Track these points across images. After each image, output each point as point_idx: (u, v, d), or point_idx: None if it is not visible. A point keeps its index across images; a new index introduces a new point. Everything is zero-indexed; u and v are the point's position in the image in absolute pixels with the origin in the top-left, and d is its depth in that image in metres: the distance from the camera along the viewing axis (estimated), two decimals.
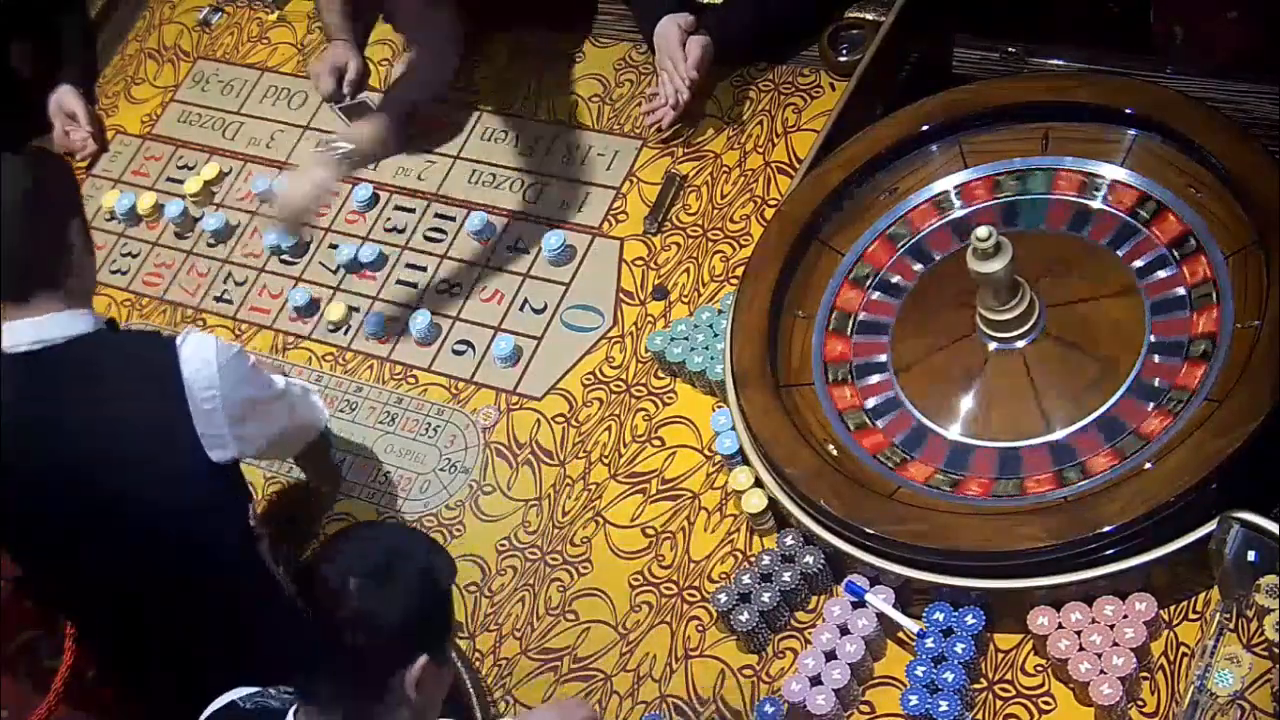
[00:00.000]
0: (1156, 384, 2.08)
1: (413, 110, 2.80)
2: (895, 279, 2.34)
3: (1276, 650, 1.81)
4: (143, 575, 2.19)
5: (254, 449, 2.25)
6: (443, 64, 2.85)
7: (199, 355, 2.12)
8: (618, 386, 2.46)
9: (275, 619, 2.16)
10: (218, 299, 2.83)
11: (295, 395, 2.36)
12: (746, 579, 2.12)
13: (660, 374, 2.45)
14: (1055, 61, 2.59)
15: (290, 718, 1.79)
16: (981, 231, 2.04)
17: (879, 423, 2.21)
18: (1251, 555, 1.83)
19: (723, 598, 2.11)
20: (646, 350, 2.47)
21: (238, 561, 2.23)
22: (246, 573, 2.24)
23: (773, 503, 2.17)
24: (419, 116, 2.84)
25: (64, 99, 3.14)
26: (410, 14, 2.90)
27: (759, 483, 2.19)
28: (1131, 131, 2.28)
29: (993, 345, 2.17)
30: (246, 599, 2.23)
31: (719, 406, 2.33)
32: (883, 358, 2.27)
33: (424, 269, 2.74)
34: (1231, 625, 1.87)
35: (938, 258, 2.33)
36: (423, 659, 1.73)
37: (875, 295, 2.34)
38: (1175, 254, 2.18)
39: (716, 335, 2.37)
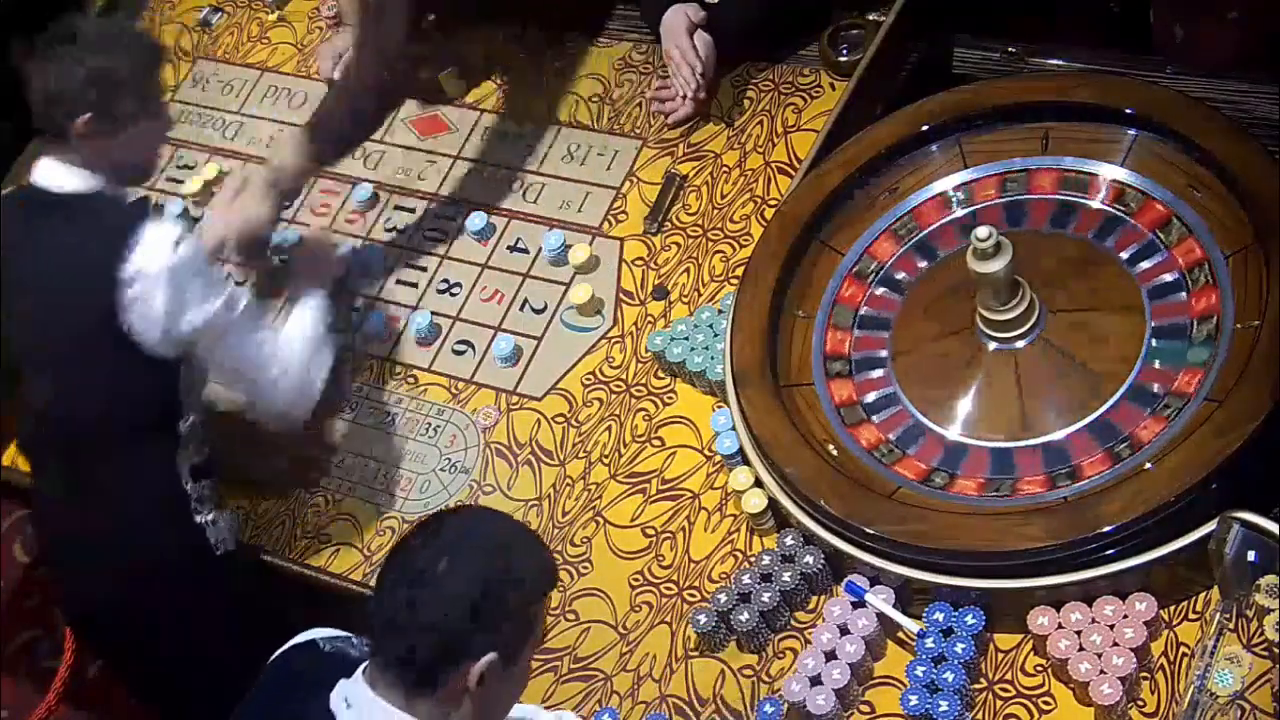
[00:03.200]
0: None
1: (354, 104, 2.64)
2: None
3: (1276, 650, 1.81)
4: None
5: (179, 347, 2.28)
6: (375, 58, 2.63)
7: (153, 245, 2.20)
8: (618, 386, 2.46)
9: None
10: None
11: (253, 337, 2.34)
12: (746, 579, 2.12)
13: (660, 374, 2.45)
14: (1055, 61, 2.59)
15: (360, 673, 1.75)
16: (981, 231, 2.04)
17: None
18: (1251, 555, 1.83)
19: (702, 619, 2.10)
20: (646, 350, 2.47)
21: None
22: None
23: (773, 503, 2.17)
24: (383, 104, 2.74)
25: None
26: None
27: (759, 483, 2.19)
28: (1131, 131, 2.28)
29: (992, 345, 2.17)
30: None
31: (719, 406, 2.33)
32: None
33: (424, 269, 2.74)
34: (1231, 625, 1.87)
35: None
36: (490, 656, 1.67)
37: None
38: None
39: (716, 335, 2.37)
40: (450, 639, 1.67)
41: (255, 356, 2.33)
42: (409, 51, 2.73)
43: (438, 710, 1.69)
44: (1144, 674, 1.91)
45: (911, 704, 1.94)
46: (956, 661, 1.95)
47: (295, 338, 2.40)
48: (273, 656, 1.89)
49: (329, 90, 2.75)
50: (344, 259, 2.71)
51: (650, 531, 2.29)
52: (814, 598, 2.13)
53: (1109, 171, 2.28)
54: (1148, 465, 1.95)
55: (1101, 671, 1.88)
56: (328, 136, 2.61)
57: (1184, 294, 2.14)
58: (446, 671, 1.67)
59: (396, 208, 2.84)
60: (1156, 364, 2.09)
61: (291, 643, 1.88)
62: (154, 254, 2.20)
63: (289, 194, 2.63)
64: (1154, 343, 2.11)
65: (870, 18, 2.67)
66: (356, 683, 1.72)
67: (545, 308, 2.60)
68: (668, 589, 2.22)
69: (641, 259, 2.60)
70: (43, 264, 2.27)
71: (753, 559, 2.18)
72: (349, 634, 1.87)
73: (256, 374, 2.35)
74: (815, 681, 2.00)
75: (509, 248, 2.71)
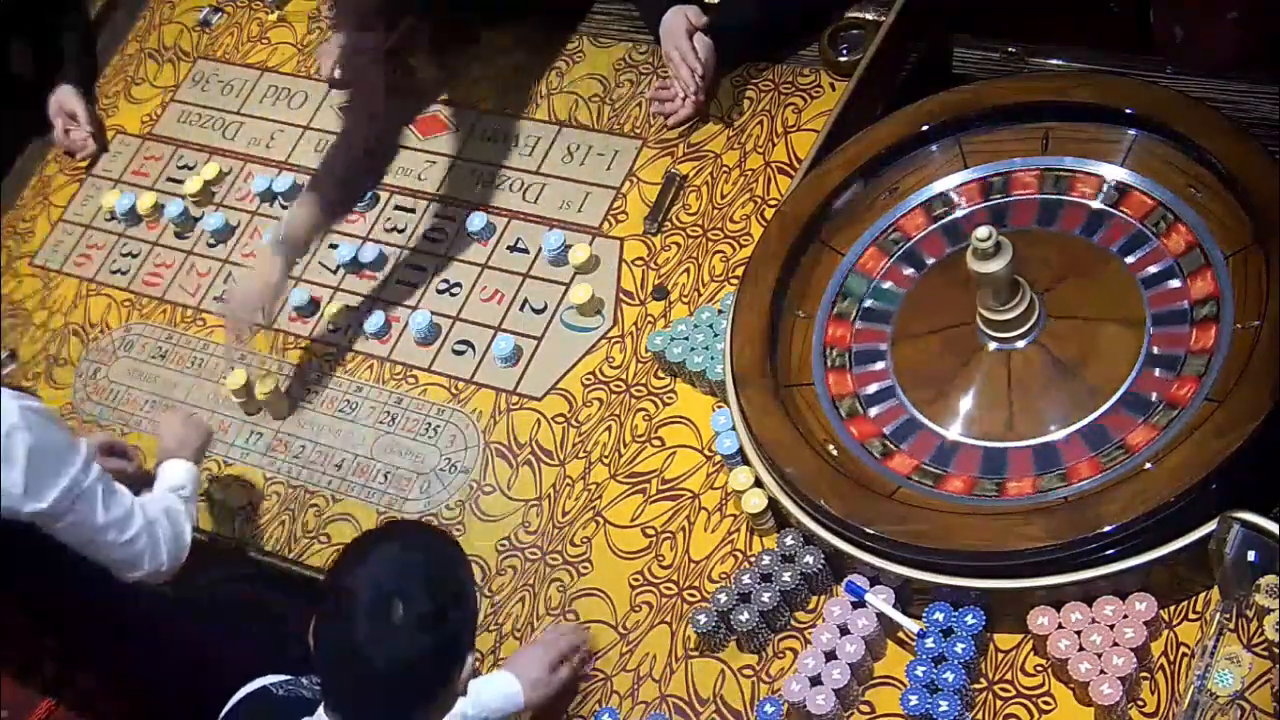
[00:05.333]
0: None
1: (350, 171, 2.62)
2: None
3: (1276, 650, 1.81)
4: None
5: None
6: (364, 120, 2.61)
7: None
8: (618, 386, 2.46)
9: None
10: (218, 299, 2.83)
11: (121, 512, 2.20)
12: (746, 579, 2.12)
13: (660, 374, 2.45)
14: (1055, 61, 2.59)
15: (321, 711, 1.77)
16: (981, 231, 2.04)
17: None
18: (1251, 555, 1.83)
19: (702, 619, 2.10)
20: (646, 350, 2.47)
21: None
22: None
23: (773, 503, 2.17)
24: (378, 158, 2.69)
25: (64, 99, 3.14)
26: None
27: (759, 483, 2.19)
28: (1131, 131, 2.28)
29: (992, 345, 2.17)
30: None
31: (719, 406, 2.33)
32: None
33: (424, 269, 2.74)
34: (1231, 625, 1.87)
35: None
36: (470, 656, 1.74)
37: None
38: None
39: (716, 335, 2.37)
40: (436, 668, 1.71)
41: (114, 517, 2.19)
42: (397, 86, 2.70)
43: None
44: (1144, 674, 1.91)
45: (911, 704, 1.94)
46: (956, 661, 1.95)
47: (159, 497, 2.29)
48: (224, 710, 1.89)
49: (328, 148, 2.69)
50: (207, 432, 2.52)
51: (650, 531, 2.29)
52: (814, 598, 2.13)
53: (1109, 171, 2.28)
54: (1148, 465, 1.95)
55: (1101, 671, 1.88)
56: (329, 182, 2.58)
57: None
58: (444, 691, 1.73)
59: (396, 208, 2.84)
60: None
61: (242, 693, 1.88)
62: None
63: (298, 250, 2.59)
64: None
65: (870, 18, 2.67)
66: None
67: (545, 308, 2.60)
68: (668, 589, 2.22)
69: (641, 259, 2.60)
70: None
71: (753, 559, 2.18)
72: (297, 675, 1.88)
73: (116, 536, 2.19)
74: (815, 681, 2.01)
75: (509, 248, 2.71)
